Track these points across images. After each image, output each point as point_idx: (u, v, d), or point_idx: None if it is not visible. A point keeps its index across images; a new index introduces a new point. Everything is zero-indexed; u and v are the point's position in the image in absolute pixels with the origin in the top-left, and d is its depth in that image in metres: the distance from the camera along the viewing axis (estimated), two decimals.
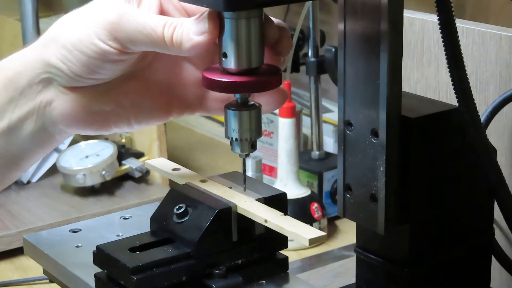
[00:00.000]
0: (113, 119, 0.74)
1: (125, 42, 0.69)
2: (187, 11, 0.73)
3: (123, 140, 1.41)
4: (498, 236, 0.88)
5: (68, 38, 0.70)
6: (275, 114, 1.36)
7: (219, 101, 0.75)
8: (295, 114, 1.24)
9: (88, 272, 0.75)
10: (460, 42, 0.71)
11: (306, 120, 1.42)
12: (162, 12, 0.73)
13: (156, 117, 0.75)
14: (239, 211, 0.72)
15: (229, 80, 0.70)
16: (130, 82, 0.74)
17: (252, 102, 0.72)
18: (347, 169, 0.75)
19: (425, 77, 0.97)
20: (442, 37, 0.70)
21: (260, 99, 0.73)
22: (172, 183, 1.13)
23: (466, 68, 0.72)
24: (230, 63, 0.69)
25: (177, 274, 0.70)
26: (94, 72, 0.70)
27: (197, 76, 0.74)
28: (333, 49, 1.30)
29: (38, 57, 0.71)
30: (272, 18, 0.71)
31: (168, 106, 0.75)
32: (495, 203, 0.80)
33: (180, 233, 0.72)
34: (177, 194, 0.75)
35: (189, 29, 0.68)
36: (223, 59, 0.70)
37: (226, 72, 0.70)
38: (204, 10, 0.69)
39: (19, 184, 1.36)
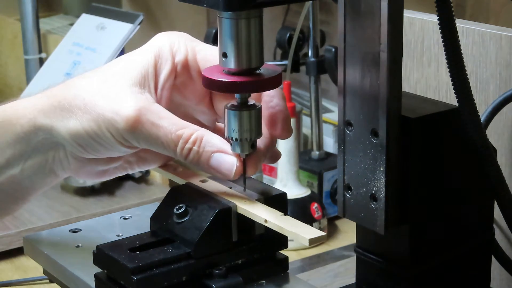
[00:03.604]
0: (119, 171, 0.79)
1: (140, 146, 0.73)
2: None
3: None
4: (498, 236, 0.88)
5: (84, 126, 0.72)
6: None
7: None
8: (295, 114, 1.24)
9: (88, 272, 0.75)
10: (460, 42, 0.71)
11: (306, 120, 1.42)
12: (176, 90, 0.76)
13: (156, 163, 0.80)
14: (239, 211, 0.72)
15: (229, 80, 0.70)
16: None
17: (252, 102, 0.72)
18: (347, 169, 0.75)
19: (425, 77, 0.97)
20: (442, 37, 0.70)
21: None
22: (172, 183, 1.13)
23: (466, 68, 0.72)
24: (230, 63, 0.69)
25: (177, 274, 0.70)
26: (106, 154, 0.74)
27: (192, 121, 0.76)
28: (333, 49, 1.30)
29: (51, 126, 0.73)
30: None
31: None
32: (495, 203, 0.80)
33: (180, 233, 0.72)
34: (177, 194, 0.75)
35: (205, 159, 0.72)
36: (223, 59, 0.70)
37: (226, 72, 0.70)
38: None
39: None
